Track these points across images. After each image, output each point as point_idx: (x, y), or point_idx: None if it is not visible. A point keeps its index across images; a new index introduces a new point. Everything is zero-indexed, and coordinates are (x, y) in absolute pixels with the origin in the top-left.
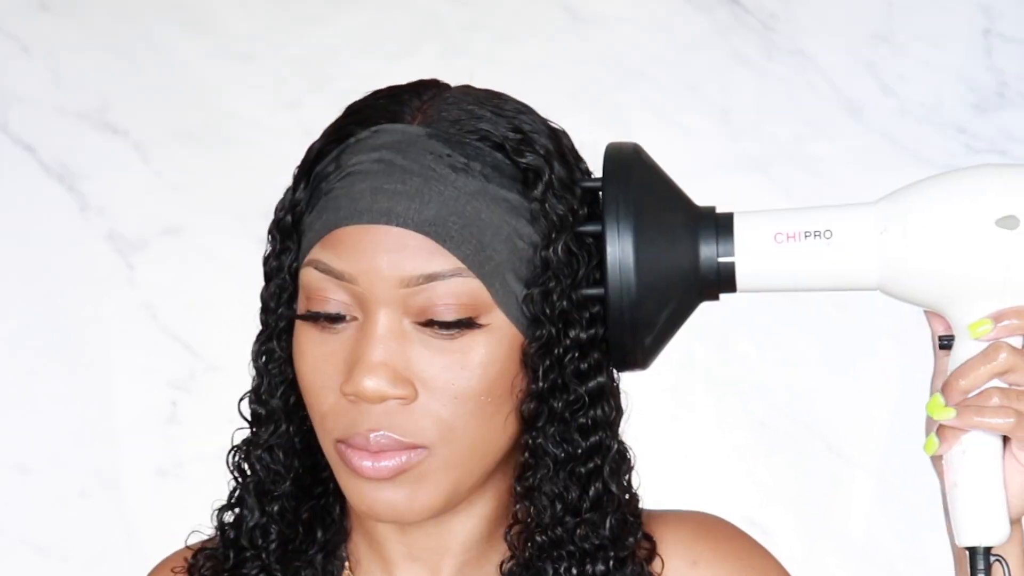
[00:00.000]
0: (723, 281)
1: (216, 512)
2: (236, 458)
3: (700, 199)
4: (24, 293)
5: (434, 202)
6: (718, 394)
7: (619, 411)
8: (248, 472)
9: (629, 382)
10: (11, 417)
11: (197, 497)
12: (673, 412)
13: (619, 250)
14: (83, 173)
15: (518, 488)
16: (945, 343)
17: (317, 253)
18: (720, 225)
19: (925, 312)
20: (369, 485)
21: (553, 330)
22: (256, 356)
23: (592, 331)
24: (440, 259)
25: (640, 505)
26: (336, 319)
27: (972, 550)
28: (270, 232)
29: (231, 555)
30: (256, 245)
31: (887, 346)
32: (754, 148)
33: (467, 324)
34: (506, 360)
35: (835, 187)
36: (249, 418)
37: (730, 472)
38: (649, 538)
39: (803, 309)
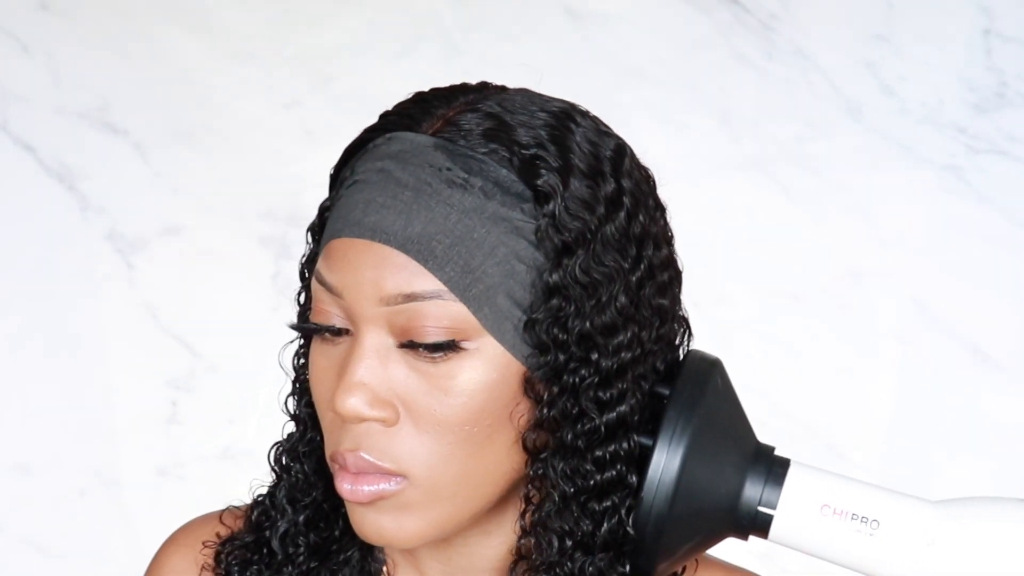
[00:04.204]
0: (757, 526)
1: (255, 498)
2: (277, 453)
3: (700, 199)
4: (24, 293)
5: (421, 218)
6: None
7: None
8: (283, 475)
9: None
10: (11, 417)
11: (197, 497)
12: None
13: (662, 472)
14: (83, 173)
15: (521, 522)
16: None
17: (320, 263)
18: (772, 472)
19: None
20: (357, 507)
21: (562, 356)
22: (293, 358)
23: (624, 354)
24: (422, 279)
25: None
26: (336, 332)
27: None
28: (308, 230)
29: (264, 553)
30: (256, 245)
31: (887, 346)
32: (754, 148)
33: (449, 347)
34: (498, 387)
35: (835, 187)
36: (290, 414)
37: None
38: None
39: (804, 309)
